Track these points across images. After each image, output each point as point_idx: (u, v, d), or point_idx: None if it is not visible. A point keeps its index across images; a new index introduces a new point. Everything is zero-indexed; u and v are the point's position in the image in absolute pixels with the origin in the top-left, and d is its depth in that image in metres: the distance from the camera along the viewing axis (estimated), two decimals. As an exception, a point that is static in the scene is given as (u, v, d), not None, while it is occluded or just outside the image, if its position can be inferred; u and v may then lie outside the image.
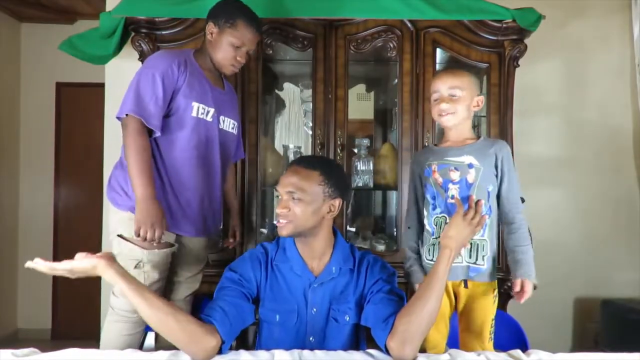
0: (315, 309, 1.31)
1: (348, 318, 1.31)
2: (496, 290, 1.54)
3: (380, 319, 1.22)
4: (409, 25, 2.10)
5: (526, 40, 2.10)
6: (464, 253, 1.49)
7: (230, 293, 1.27)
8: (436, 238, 1.51)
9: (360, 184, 2.35)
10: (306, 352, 1.17)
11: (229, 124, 1.79)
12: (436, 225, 1.52)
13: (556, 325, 2.62)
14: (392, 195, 2.44)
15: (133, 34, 2.07)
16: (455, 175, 1.50)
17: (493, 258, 1.51)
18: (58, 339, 3.62)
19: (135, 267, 1.59)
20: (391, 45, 2.12)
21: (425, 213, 1.57)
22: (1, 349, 1.13)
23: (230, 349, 1.22)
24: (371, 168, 2.35)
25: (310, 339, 1.30)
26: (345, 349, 1.30)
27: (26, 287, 3.66)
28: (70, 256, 1.12)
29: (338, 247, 1.36)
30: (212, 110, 1.67)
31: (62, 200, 3.70)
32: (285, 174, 1.33)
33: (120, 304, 1.59)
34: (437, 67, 2.16)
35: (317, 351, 1.18)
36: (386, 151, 2.37)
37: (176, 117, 1.62)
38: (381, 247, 2.28)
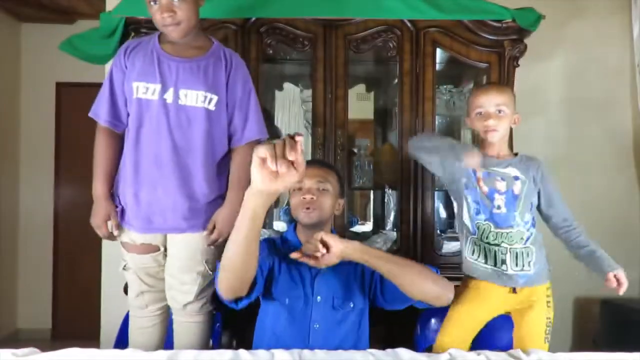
0: (319, 297, 1.37)
1: (352, 305, 1.39)
2: (549, 290, 1.61)
3: (399, 297, 1.30)
4: (409, 25, 2.10)
5: (526, 40, 2.10)
6: (510, 262, 1.53)
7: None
8: (479, 239, 1.56)
9: (360, 184, 2.35)
10: (306, 352, 1.18)
11: (195, 98, 1.54)
12: (479, 229, 1.56)
13: (556, 325, 2.60)
14: (392, 195, 2.44)
15: (133, 34, 2.07)
16: (501, 186, 1.55)
17: (541, 263, 1.57)
18: (58, 339, 3.62)
19: (123, 268, 1.64)
20: (391, 45, 2.12)
21: (466, 211, 1.60)
22: (1, 349, 1.13)
23: (230, 347, 1.22)
24: (371, 168, 2.35)
25: (315, 325, 1.36)
26: (348, 335, 1.37)
27: (26, 287, 3.66)
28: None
29: None
30: (157, 87, 1.52)
31: (62, 200, 3.70)
32: (307, 169, 1.34)
33: (130, 299, 1.66)
34: (437, 67, 2.16)
35: (317, 351, 1.19)
36: (386, 151, 2.37)
37: (129, 106, 1.58)
38: (381, 248, 2.28)
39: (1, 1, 3.28)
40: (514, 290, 1.55)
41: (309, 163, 1.44)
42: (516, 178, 1.55)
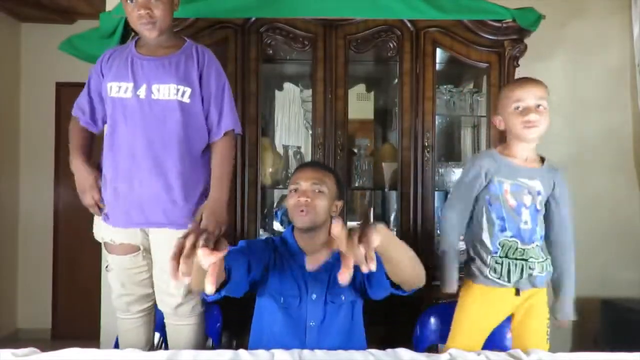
0: (314, 295, 1.40)
1: (344, 297, 1.41)
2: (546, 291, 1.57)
3: (383, 281, 1.30)
4: (409, 25, 2.10)
5: (526, 40, 2.10)
6: (537, 269, 1.48)
7: (240, 259, 1.32)
8: (501, 257, 1.48)
9: (360, 184, 2.35)
10: (306, 352, 1.18)
11: (167, 92, 1.55)
12: (502, 247, 1.48)
13: (556, 325, 2.62)
14: (392, 195, 2.44)
15: (133, 34, 2.07)
16: (528, 200, 1.47)
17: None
18: (58, 339, 3.62)
19: (106, 268, 1.67)
20: (391, 45, 2.12)
21: (485, 230, 1.50)
22: (1, 349, 1.13)
23: (230, 348, 1.22)
24: (371, 168, 2.35)
25: (311, 323, 1.38)
26: (343, 328, 1.39)
27: (26, 287, 3.66)
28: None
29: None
30: (129, 85, 1.55)
31: (62, 200, 3.69)
32: (304, 171, 1.47)
33: (112, 301, 1.69)
34: (437, 67, 2.16)
35: (317, 351, 1.19)
36: (386, 151, 2.37)
37: (106, 107, 1.63)
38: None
39: (1, 1, 3.27)
40: (517, 292, 1.50)
41: (306, 165, 1.54)
42: (538, 193, 1.47)
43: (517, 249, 1.46)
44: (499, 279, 1.48)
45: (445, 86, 2.38)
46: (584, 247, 2.57)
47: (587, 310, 2.63)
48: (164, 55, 1.60)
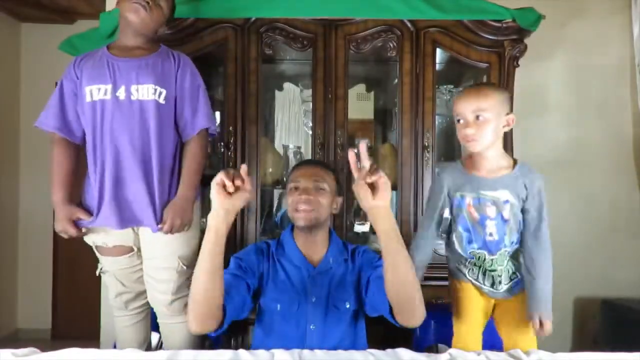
0: (315, 298, 1.37)
1: (348, 305, 1.38)
2: None
3: (383, 302, 1.27)
4: (409, 25, 2.10)
5: (526, 40, 2.10)
6: (504, 277, 1.48)
7: (238, 283, 1.32)
8: (477, 262, 1.48)
9: (360, 184, 2.34)
10: (306, 352, 1.17)
11: (146, 92, 1.56)
12: (474, 256, 1.49)
13: (556, 324, 2.58)
14: (392, 195, 2.44)
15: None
16: (491, 212, 1.43)
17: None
18: (58, 339, 3.62)
19: (100, 272, 1.68)
20: (391, 45, 2.12)
21: (456, 242, 1.51)
22: (1, 349, 1.12)
23: (230, 348, 1.22)
24: (371, 168, 2.34)
25: (311, 326, 1.35)
26: (345, 335, 1.37)
27: (26, 287, 3.65)
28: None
29: (333, 241, 1.45)
30: (109, 87, 1.55)
31: (62, 200, 3.69)
32: (303, 168, 1.44)
33: (110, 300, 1.72)
34: (437, 67, 2.16)
35: (317, 351, 1.19)
36: (386, 151, 2.37)
37: (83, 112, 1.61)
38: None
39: (1, 1, 3.27)
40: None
41: (305, 163, 1.53)
42: (506, 202, 1.42)
43: (485, 259, 1.48)
44: (476, 280, 1.51)
45: (445, 86, 2.37)
46: (584, 247, 2.61)
47: (587, 310, 2.63)
48: (142, 56, 1.61)
